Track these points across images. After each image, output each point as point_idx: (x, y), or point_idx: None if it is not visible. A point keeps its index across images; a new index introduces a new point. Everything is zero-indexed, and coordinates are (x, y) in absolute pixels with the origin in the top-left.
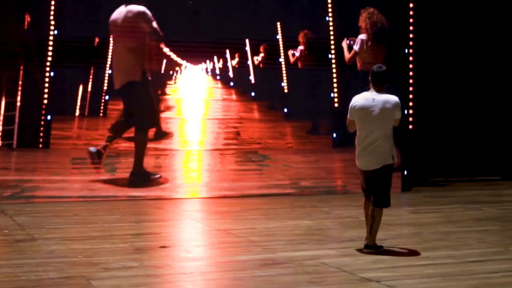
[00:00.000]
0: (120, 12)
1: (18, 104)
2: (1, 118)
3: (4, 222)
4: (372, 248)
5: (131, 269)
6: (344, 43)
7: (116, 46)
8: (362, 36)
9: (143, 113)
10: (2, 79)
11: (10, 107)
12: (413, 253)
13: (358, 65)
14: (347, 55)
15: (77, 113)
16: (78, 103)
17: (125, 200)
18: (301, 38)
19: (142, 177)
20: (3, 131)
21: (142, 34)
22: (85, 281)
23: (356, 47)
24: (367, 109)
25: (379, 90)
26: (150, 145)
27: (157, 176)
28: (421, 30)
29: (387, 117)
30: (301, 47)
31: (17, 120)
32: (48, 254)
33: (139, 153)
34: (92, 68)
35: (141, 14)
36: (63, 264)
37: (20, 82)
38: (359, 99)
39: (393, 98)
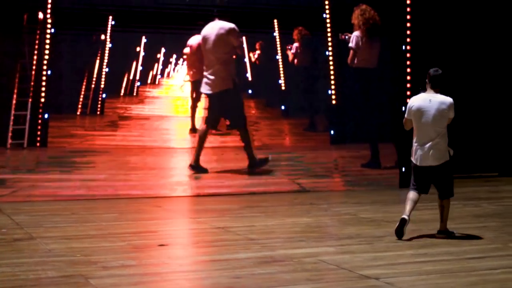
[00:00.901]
0: (212, 28)
1: (30, 100)
2: (12, 117)
3: (2, 221)
4: (444, 233)
5: (130, 267)
6: (343, 38)
7: (208, 58)
8: (357, 33)
9: (238, 114)
10: (14, 78)
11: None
12: (412, 250)
13: (354, 61)
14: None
15: (74, 112)
16: (78, 101)
17: (122, 198)
18: (295, 35)
19: (259, 165)
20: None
21: (232, 47)
22: (84, 280)
23: (352, 45)
24: (424, 110)
25: (436, 92)
26: (146, 143)
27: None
28: (418, 26)
29: (442, 117)
30: (296, 44)
31: (28, 117)
32: (47, 253)
33: (248, 147)
34: (93, 66)
35: (232, 30)
36: (61, 263)
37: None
38: (417, 100)
39: (448, 99)
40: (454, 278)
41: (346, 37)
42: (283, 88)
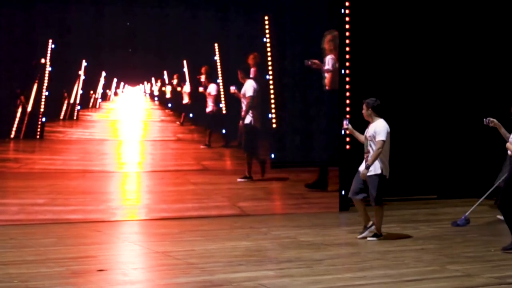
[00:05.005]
0: None
1: None
2: None
3: None
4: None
5: None
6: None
7: None
8: (332, 56)
9: None
10: None
11: None
12: (350, 273)
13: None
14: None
15: (12, 135)
16: (19, 125)
17: (61, 223)
18: (251, 60)
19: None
20: None
21: None
22: None
23: (329, 67)
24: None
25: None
26: (86, 167)
27: None
28: (357, 49)
29: None
30: (252, 69)
31: None
32: None
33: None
34: (31, 90)
35: None
36: None
37: None
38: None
39: None
40: None
41: (311, 63)
42: (224, 112)
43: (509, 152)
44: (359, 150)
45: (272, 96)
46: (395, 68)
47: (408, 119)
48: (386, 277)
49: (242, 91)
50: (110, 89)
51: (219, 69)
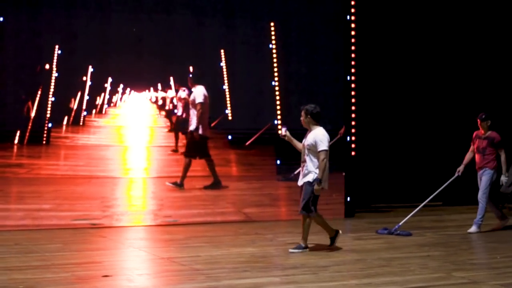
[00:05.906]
0: None
1: None
2: None
3: None
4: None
5: None
6: None
7: None
8: None
9: None
10: None
11: None
12: (356, 279)
13: None
14: None
15: (18, 141)
16: (24, 131)
17: (67, 228)
18: None
19: None
20: None
21: None
22: None
23: None
24: None
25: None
26: (92, 173)
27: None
28: (362, 56)
29: None
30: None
31: None
32: None
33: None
34: (36, 95)
35: None
36: None
37: None
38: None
39: None
40: None
41: None
42: (230, 117)
43: None
44: (364, 156)
45: (278, 102)
46: (401, 75)
47: (413, 126)
48: (392, 284)
49: (192, 97)
50: (116, 95)
51: (225, 75)
